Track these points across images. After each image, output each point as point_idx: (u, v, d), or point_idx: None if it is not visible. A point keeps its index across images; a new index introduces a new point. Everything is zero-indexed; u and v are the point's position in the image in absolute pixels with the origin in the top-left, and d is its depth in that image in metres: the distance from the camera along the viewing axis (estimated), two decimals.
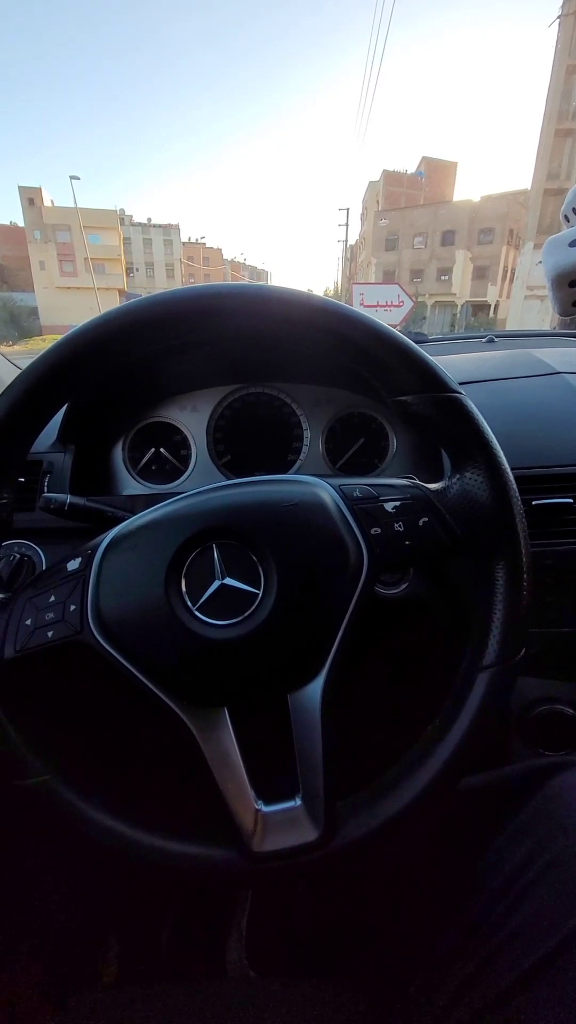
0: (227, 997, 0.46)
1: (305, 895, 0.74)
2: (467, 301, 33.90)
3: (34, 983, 0.52)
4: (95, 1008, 0.45)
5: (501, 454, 0.37)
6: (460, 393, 0.37)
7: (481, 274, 34.13)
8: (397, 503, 0.37)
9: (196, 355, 0.67)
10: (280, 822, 0.34)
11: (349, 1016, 0.43)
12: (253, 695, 0.36)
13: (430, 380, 0.37)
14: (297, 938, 0.72)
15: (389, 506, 0.36)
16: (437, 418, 0.37)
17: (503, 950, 0.36)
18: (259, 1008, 0.44)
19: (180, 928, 0.74)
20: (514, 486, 0.37)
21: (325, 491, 0.37)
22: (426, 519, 0.36)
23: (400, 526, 0.36)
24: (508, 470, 0.37)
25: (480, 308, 33.81)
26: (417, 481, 0.39)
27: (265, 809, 0.34)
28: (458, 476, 0.38)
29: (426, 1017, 0.38)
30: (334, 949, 0.66)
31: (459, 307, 33.75)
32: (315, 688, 0.35)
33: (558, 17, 17.45)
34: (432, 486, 0.38)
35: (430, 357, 0.37)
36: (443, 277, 34.87)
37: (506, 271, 32.35)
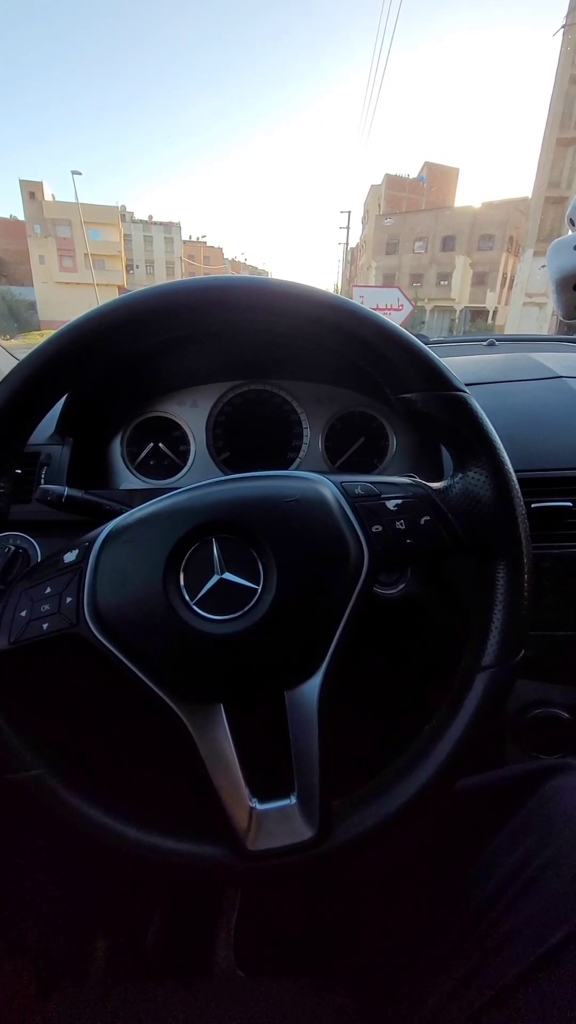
0: (215, 997, 0.45)
1: (295, 895, 0.73)
2: (466, 306, 34.08)
3: (19, 980, 0.51)
4: (80, 1006, 0.44)
5: (504, 454, 0.37)
6: (465, 392, 0.37)
7: (480, 280, 34.35)
8: (399, 501, 0.36)
9: (197, 350, 0.67)
10: (274, 820, 0.34)
11: (340, 1016, 0.43)
12: (250, 691, 0.35)
13: (435, 378, 0.37)
14: (287, 939, 0.71)
15: (391, 504, 0.36)
16: (441, 416, 0.37)
17: (497, 952, 0.35)
18: (247, 1008, 0.44)
19: (168, 927, 0.73)
20: (517, 486, 0.37)
21: (327, 487, 0.37)
22: (428, 518, 0.36)
23: (401, 524, 0.36)
24: (511, 470, 0.37)
25: (479, 314, 34.00)
26: (419, 480, 0.39)
27: (259, 807, 0.34)
28: (460, 475, 0.38)
29: (419, 1019, 0.37)
30: (325, 950, 0.65)
31: (458, 312, 33.93)
32: (312, 686, 0.34)
33: (562, 27, 17.59)
34: (434, 485, 0.38)
35: (436, 355, 0.37)
36: (443, 282, 35.07)
37: (505, 278, 32.56)
